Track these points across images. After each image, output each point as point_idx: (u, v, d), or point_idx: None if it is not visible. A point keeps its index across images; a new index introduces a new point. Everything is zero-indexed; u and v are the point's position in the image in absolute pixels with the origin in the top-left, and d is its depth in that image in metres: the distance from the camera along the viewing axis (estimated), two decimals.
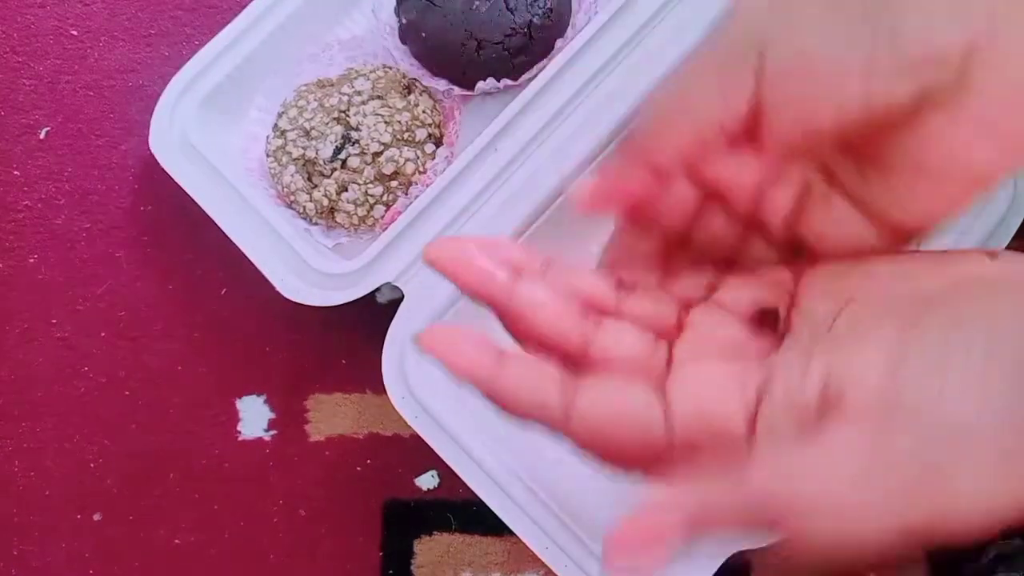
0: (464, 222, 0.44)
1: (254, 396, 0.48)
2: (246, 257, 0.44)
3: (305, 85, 0.48)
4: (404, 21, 0.47)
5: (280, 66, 0.49)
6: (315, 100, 0.47)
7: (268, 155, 0.48)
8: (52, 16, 0.52)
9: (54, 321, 0.49)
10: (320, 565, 0.46)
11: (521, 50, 0.46)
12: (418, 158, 0.46)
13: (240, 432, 0.47)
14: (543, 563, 0.40)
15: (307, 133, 0.46)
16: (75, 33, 0.52)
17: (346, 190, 0.46)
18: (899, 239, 0.23)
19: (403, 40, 0.48)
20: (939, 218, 0.23)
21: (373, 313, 0.46)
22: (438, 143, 0.47)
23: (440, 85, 0.48)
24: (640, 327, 0.24)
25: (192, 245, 0.49)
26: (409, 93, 0.47)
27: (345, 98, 0.46)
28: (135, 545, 0.46)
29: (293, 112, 0.47)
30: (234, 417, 0.47)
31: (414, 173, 0.46)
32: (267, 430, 0.47)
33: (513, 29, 0.45)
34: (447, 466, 0.41)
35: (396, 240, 0.44)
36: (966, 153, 0.21)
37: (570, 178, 0.44)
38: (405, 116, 0.46)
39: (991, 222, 0.42)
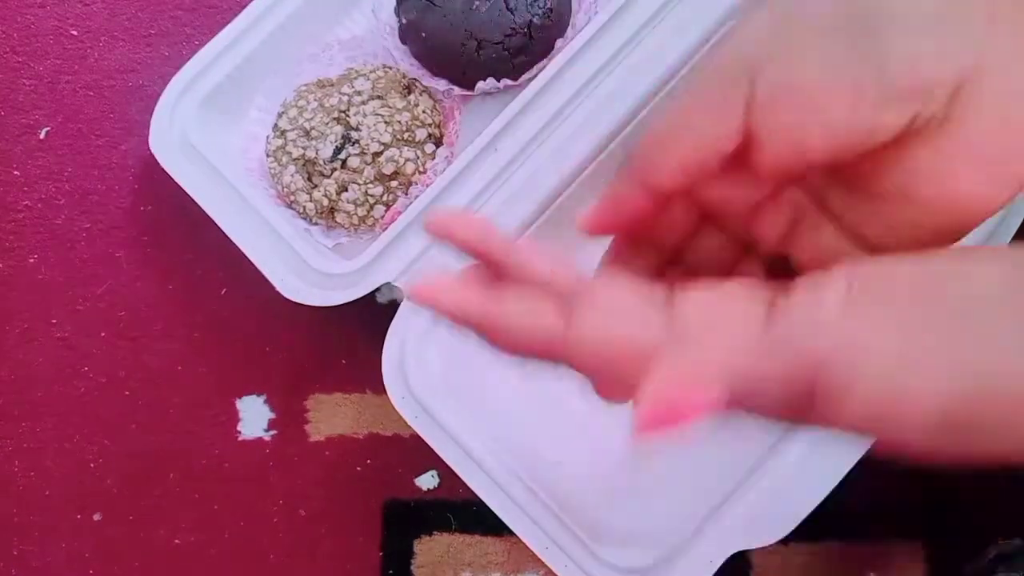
0: None
1: (254, 396, 0.48)
2: (246, 257, 0.44)
3: (305, 85, 0.48)
4: (404, 21, 0.47)
5: (280, 66, 0.49)
6: (315, 100, 0.47)
7: (268, 155, 0.48)
8: (52, 16, 0.52)
9: (54, 321, 0.49)
10: (320, 565, 0.46)
11: (521, 50, 0.46)
12: (418, 158, 0.46)
13: (240, 432, 0.47)
14: (543, 563, 0.40)
15: (307, 133, 0.46)
16: (75, 33, 0.52)
17: (346, 190, 0.46)
18: None
19: (403, 40, 0.48)
20: (928, 247, 0.23)
21: (373, 313, 0.46)
22: (438, 143, 0.47)
23: (440, 85, 0.48)
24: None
25: (192, 245, 0.49)
26: (409, 93, 0.47)
27: (345, 98, 0.46)
28: (135, 545, 0.46)
29: (293, 112, 0.47)
30: (234, 417, 0.47)
31: (414, 173, 0.46)
32: (267, 430, 0.47)
33: (513, 29, 0.45)
34: (447, 466, 0.41)
35: (396, 240, 0.44)
36: (953, 184, 0.21)
37: (570, 178, 0.44)
38: (405, 116, 0.46)
39: (991, 222, 0.42)
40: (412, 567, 0.45)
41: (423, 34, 0.46)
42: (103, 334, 0.49)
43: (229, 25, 0.47)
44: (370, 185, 0.45)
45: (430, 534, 0.46)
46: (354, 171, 0.45)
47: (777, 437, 0.42)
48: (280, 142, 0.47)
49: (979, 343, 0.19)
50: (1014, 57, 0.20)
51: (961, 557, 0.43)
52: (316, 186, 0.46)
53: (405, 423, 0.42)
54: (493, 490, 0.41)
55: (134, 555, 0.46)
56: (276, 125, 0.47)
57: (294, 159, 0.46)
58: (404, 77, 0.48)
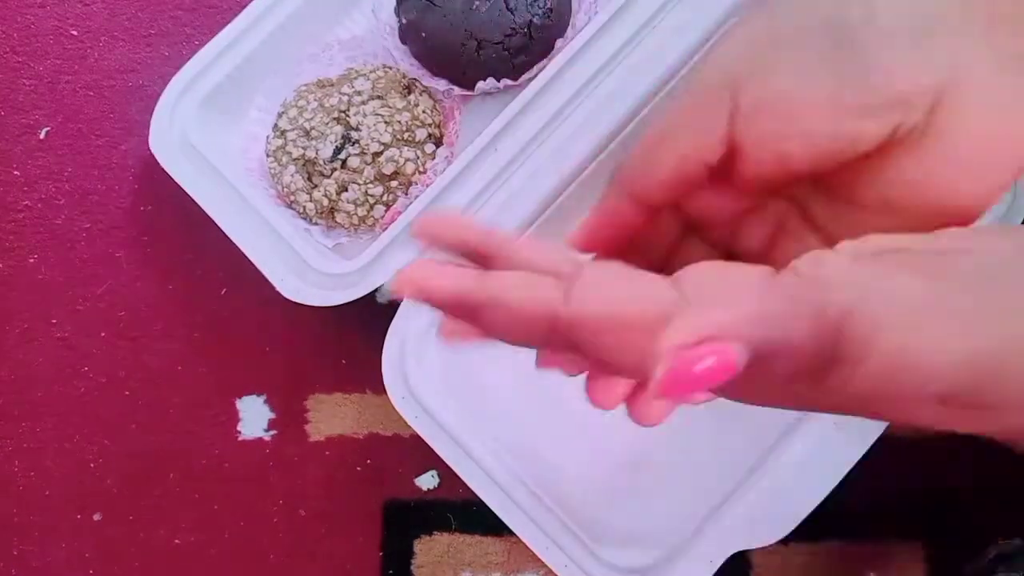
0: None
1: (254, 396, 0.48)
2: (246, 257, 0.44)
3: (305, 85, 0.48)
4: (404, 21, 0.47)
5: (280, 66, 0.49)
6: (315, 100, 0.47)
7: (268, 155, 0.48)
8: (52, 16, 0.52)
9: (54, 321, 0.49)
10: (320, 565, 0.46)
11: (521, 50, 0.46)
12: (418, 158, 0.46)
13: (240, 432, 0.47)
14: (543, 563, 0.40)
15: (307, 133, 0.46)
16: (75, 33, 0.52)
17: (346, 190, 0.46)
18: None
19: (403, 40, 0.48)
20: None
21: (373, 313, 0.46)
22: (438, 143, 0.47)
23: (440, 85, 0.48)
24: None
25: (192, 245, 0.49)
26: (409, 93, 0.47)
27: (345, 98, 0.46)
28: (135, 545, 0.46)
29: (293, 112, 0.47)
30: (234, 417, 0.47)
31: (414, 173, 0.46)
32: (267, 430, 0.47)
33: (513, 29, 0.45)
34: (447, 466, 0.41)
35: (396, 240, 0.44)
36: (935, 194, 0.22)
37: (570, 178, 0.44)
38: (405, 116, 0.46)
39: (991, 222, 0.42)
40: (412, 567, 0.45)
41: (423, 34, 0.46)
42: (103, 334, 0.49)
43: (229, 25, 0.47)
44: (370, 185, 0.45)
45: (430, 534, 0.46)
46: (354, 171, 0.45)
47: (777, 437, 0.42)
48: (280, 142, 0.47)
49: (1002, 306, 0.19)
50: (1004, 64, 0.20)
51: (961, 557, 0.43)
52: (316, 186, 0.46)
53: (405, 423, 0.42)
54: (493, 490, 0.41)
55: (134, 555, 0.46)
56: (276, 125, 0.47)
57: (294, 159, 0.46)
58: (404, 77, 0.48)
